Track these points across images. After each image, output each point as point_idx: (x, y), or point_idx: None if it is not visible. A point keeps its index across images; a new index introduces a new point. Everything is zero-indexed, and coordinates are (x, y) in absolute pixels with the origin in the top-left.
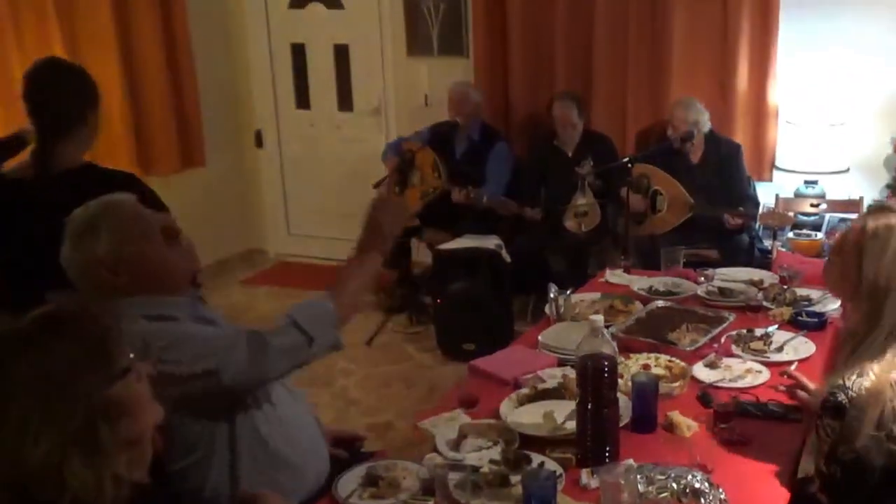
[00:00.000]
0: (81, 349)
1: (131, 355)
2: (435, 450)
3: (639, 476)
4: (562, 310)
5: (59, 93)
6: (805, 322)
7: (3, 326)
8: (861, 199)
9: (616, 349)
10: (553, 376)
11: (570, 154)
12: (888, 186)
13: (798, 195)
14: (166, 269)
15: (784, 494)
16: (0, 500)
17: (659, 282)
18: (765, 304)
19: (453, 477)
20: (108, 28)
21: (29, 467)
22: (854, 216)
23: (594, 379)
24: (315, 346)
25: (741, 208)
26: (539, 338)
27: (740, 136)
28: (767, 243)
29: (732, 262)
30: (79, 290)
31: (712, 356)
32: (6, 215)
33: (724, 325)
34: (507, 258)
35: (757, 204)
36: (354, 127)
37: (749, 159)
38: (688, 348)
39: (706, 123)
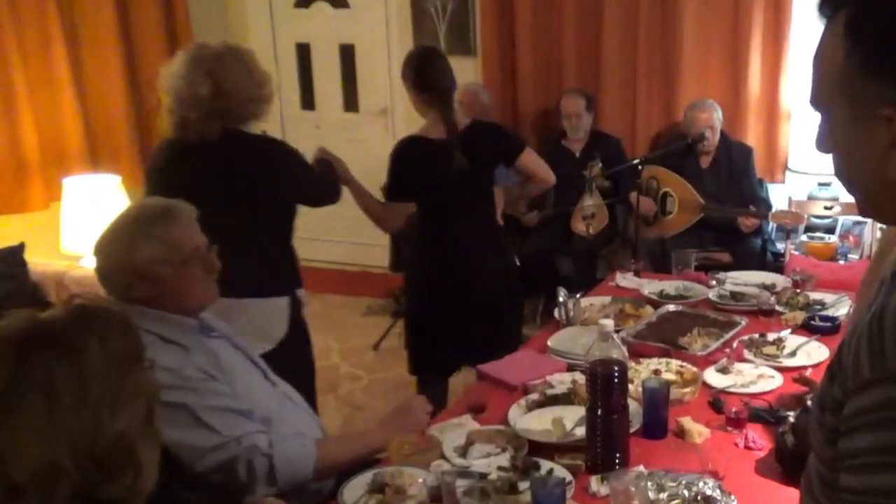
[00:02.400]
0: (129, 340)
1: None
2: (442, 456)
3: (649, 483)
4: (571, 314)
5: (447, 72)
6: (818, 326)
7: (34, 317)
8: None
9: (626, 354)
10: (562, 382)
11: (577, 155)
12: None
13: (811, 197)
14: (187, 297)
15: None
16: (67, 472)
17: (670, 285)
18: (777, 308)
19: (461, 484)
20: (110, 28)
21: (104, 444)
22: (868, 219)
23: (604, 384)
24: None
25: (752, 208)
26: (548, 342)
27: (752, 138)
28: (780, 246)
29: (744, 265)
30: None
31: (724, 361)
32: (434, 166)
33: (736, 329)
34: (516, 261)
35: (769, 207)
36: (361, 128)
37: (761, 161)
38: (699, 353)
39: (720, 127)
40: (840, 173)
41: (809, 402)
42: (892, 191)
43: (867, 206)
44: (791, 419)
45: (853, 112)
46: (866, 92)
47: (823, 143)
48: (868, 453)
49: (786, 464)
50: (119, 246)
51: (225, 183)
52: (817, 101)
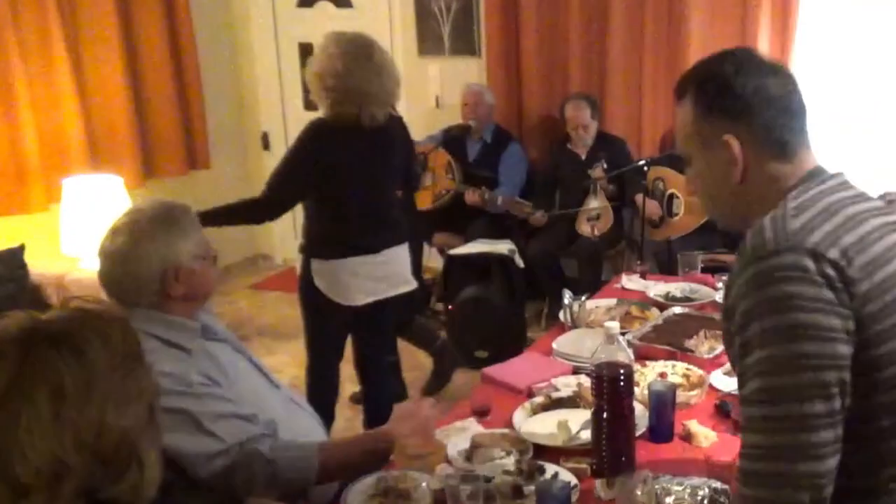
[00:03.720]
0: (129, 340)
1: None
2: (447, 460)
3: (655, 487)
4: (576, 316)
5: None
6: None
7: (35, 317)
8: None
9: (632, 357)
10: (567, 385)
11: (583, 157)
12: None
13: None
14: (208, 290)
15: None
16: (73, 468)
17: (676, 287)
18: None
19: (465, 488)
20: (112, 28)
21: (109, 440)
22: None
23: (610, 387)
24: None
25: None
26: (553, 345)
27: None
28: None
29: None
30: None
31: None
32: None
33: None
34: (521, 263)
35: None
36: None
37: None
38: (706, 356)
39: None
40: (704, 196)
41: None
42: (735, 196)
43: (720, 214)
44: None
45: (704, 146)
46: (711, 130)
47: (691, 183)
48: (740, 315)
49: None
50: (154, 247)
51: (392, 157)
52: (682, 151)
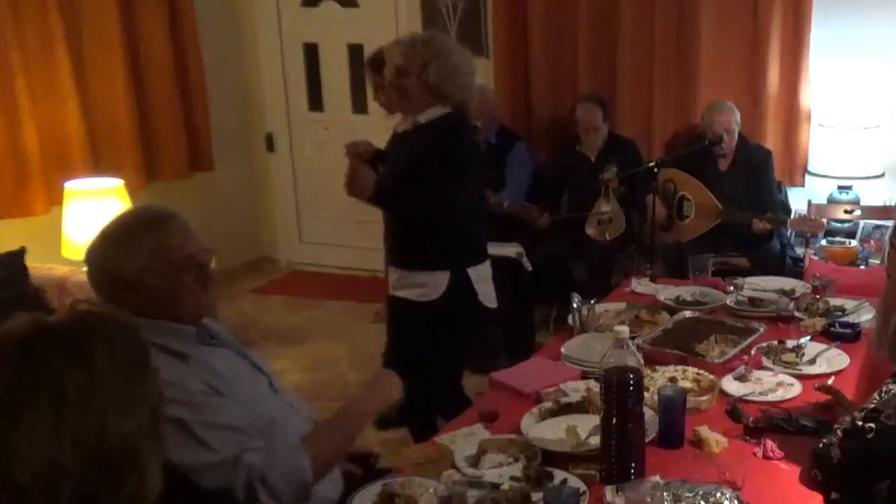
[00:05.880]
0: (135, 346)
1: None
2: (453, 466)
3: (665, 493)
4: (585, 320)
5: None
6: (839, 333)
7: (39, 320)
8: None
9: (642, 361)
10: (576, 390)
11: (593, 159)
12: None
13: (831, 201)
14: (180, 306)
15: None
16: (71, 473)
17: (686, 291)
18: (797, 314)
19: (472, 494)
20: (114, 29)
21: (109, 446)
22: (890, 223)
23: (619, 392)
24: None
25: (769, 214)
26: (562, 349)
27: (771, 140)
28: (799, 251)
29: (763, 270)
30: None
31: (742, 369)
32: None
33: (755, 336)
34: (529, 266)
35: (788, 211)
36: (370, 130)
37: (780, 164)
38: (716, 360)
39: (738, 130)
40: None
41: (860, 422)
42: None
43: None
44: (839, 432)
45: None
46: None
47: None
48: None
49: (827, 476)
50: (107, 254)
51: None
52: None
